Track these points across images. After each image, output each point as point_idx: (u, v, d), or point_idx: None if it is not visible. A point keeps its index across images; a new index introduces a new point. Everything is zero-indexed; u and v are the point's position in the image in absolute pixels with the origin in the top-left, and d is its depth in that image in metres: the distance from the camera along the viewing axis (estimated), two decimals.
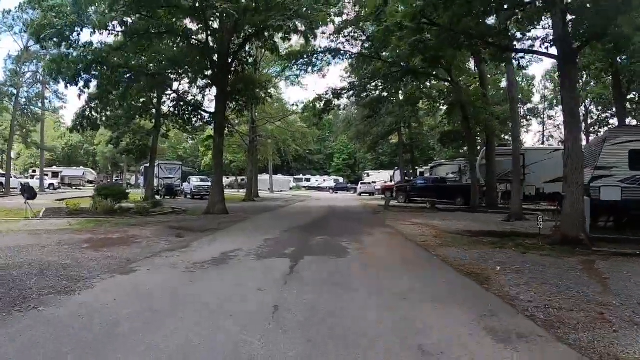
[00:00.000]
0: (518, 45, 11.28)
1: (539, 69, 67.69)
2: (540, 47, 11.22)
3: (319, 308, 4.58)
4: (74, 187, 51.36)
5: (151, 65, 20.27)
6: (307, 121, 46.12)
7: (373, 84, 23.61)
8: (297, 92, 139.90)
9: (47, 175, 50.88)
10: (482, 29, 10.65)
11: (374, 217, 17.69)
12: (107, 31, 15.35)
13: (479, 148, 28.06)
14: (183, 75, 19.82)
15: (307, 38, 13.78)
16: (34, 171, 54.43)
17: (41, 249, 8.22)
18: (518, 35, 11.07)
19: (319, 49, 22.01)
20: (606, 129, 42.45)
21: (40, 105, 42.87)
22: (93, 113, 20.66)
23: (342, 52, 21.96)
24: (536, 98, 44.65)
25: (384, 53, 21.63)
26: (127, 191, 19.10)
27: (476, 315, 4.53)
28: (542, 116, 44.69)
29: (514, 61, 11.64)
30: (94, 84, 19.77)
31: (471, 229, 13.08)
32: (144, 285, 5.63)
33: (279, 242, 9.24)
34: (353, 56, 22.16)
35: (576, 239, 10.12)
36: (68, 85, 16.04)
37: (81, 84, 16.49)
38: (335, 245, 9.01)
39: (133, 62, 19.30)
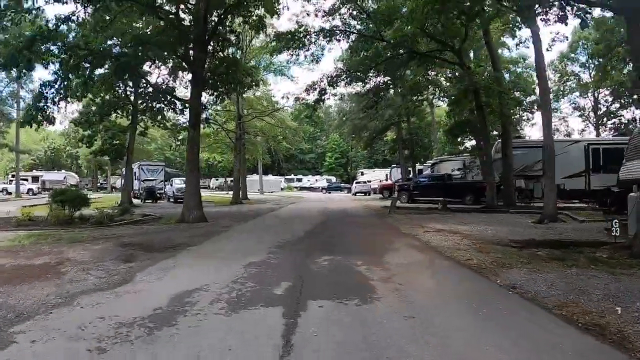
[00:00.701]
0: None
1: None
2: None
3: None
4: None
5: (117, 49, 17.33)
6: (297, 119, 43.31)
7: (372, 72, 20.80)
8: (287, 85, 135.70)
9: (26, 179, 49.27)
10: None
11: (383, 222, 14.81)
12: None
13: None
14: (154, 59, 16.75)
15: None
16: (13, 176, 52.53)
17: None
18: None
19: (312, 30, 19.18)
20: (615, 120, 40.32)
21: (15, 105, 40.11)
22: (49, 104, 17.63)
23: (338, 31, 19.08)
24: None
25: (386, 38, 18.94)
26: (87, 196, 16.02)
27: None
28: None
29: (576, 18, 9.00)
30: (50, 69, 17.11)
31: (510, 236, 10.37)
32: None
33: (266, 270, 6.30)
34: (351, 36, 19.26)
35: None
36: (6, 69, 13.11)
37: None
38: (350, 273, 6.11)
39: (96, 42, 16.22)
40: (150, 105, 18.76)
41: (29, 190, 45.27)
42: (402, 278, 5.72)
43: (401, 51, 19.03)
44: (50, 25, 13.83)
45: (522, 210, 18.38)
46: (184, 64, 15.59)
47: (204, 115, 26.12)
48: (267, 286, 5.19)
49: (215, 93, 16.81)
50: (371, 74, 19.56)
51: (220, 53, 15.73)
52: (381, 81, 21.61)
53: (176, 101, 17.41)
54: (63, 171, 61.67)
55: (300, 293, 4.87)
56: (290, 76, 51.99)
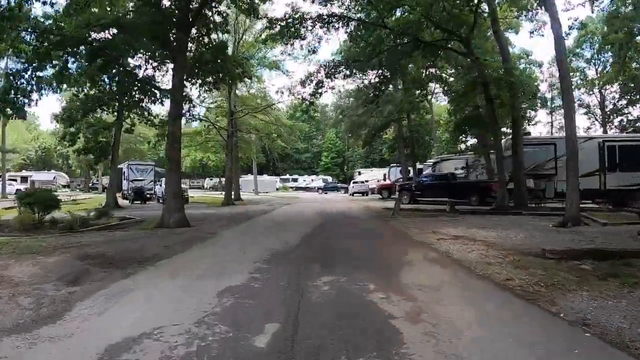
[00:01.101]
0: None
1: (548, 54, 64.59)
2: None
3: None
4: None
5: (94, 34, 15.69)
6: (293, 117, 41.70)
7: (375, 60, 19.21)
8: (282, 80, 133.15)
9: (15, 180, 48.00)
10: None
11: (388, 226, 13.20)
12: None
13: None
14: (135, 46, 15.05)
15: None
16: (0, 176, 51.40)
17: None
18: None
19: (308, 16, 17.57)
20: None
21: None
22: (19, 95, 16.02)
23: (336, 18, 17.48)
24: (543, 87, 40.79)
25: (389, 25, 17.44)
26: (58, 198, 14.44)
27: None
28: (551, 106, 40.84)
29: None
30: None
31: (538, 243, 8.85)
32: None
33: (246, 300, 4.63)
34: (351, 24, 17.66)
35: None
36: None
37: None
38: (362, 305, 4.49)
39: (70, 26, 14.54)
40: (129, 94, 16.98)
41: (17, 190, 44.07)
42: (434, 313, 4.16)
43: (405, 40, 17.51)
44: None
45: (536, 212, 16.95)
46: (165, 52, 13.91)
47: (193, 109, 24.53)
48: (244, 332, 3.58)
49: (199, 81, 15.14)
50: (374, 62, 17.89)
51: (206, 38, 14.09)
52: (383, 72, 19.92)
53: (155, 91, 15.61)
54: (53, 171, 60.26)
55: (292, 345, 3.30)
56: (285, 71, 50.28)
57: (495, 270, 6.26)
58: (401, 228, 12.06)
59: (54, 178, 55.50)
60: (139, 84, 15.47)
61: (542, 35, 28.96)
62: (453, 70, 25.11)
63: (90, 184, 61.88)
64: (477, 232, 10.60)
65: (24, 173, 55.71)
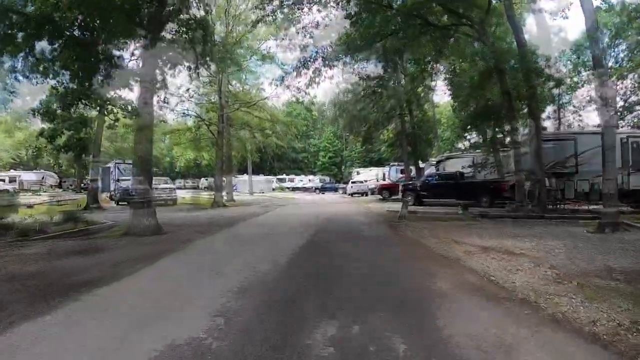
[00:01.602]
0: None
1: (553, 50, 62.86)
2: None
3: None
4: (32, 193, 46.58)
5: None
6: (290, 115, 39.83)
7: (377, 50, 17.36)
8: (277, 75, 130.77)
9: (3, 180, 47.06)
10: None
11: (398, 234, 11.16)
12: None
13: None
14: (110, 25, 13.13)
15: None
16: None
17: None
18: None
19: None
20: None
21: None
22: None
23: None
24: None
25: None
26: (14, 201, 12.59)
27: None
28: (558, 101, 39.11)
29: None
30: None
31: (592, 258, 7.05)
32: None
33: None
34: (351, 3, 15.75)
35: None
36: None
37: None
38: None
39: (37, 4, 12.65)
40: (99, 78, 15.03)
41: (4, 190, 43.03)
42: None
43: (412, 22, 15.66)
44: None
45: (563, 216, 14.97)
46: (138, 29, 11.93)
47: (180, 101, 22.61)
48: None
49: (175, 63, 13.19)
50: (377, 47, 15.93)
51: (185, 14, 12.16)
52: (388, 58, 17.98)
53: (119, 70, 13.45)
54: (42, 171, 58.50)
55: None
56: (280, 64, 48.18)
57: (567, 305, 4.40)
58: (414, 236, 10.16)
59: (43, 178, 54.25)
60: (102, 61, 13.38)
61: (567, 18, 27.13)
62: (458, 67, 23.44)
63: (82, 184, 60.08)
64: (508, 243, 8.74)
65: (12, 173, 54.32)
